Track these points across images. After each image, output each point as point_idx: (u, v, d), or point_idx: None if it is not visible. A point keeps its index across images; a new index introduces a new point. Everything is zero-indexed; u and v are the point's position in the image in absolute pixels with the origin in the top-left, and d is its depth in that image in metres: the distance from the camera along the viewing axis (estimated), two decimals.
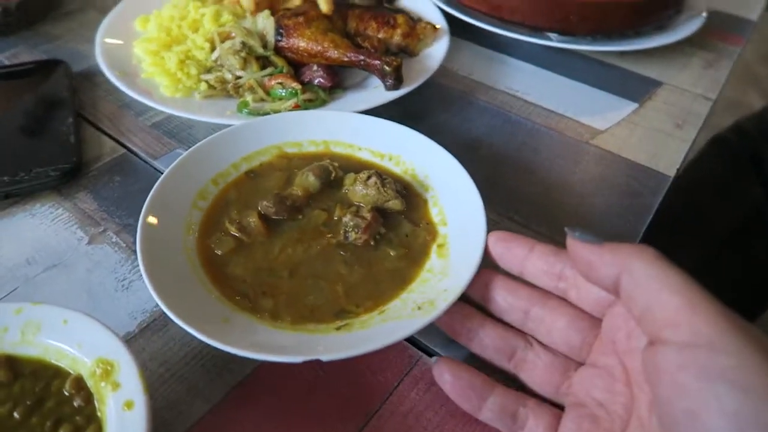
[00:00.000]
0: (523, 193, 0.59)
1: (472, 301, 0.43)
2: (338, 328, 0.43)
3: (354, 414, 0.41)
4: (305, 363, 0.37)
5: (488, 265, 0.43)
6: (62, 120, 0.62)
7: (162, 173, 0.50)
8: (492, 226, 0.56)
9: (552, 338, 0.40)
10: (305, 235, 0.49)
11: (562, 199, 0.59)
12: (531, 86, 0.75)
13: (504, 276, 0.43)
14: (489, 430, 0.40)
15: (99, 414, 0.35)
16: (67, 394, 0.36)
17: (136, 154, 0.62)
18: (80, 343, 0.37)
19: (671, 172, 0.63)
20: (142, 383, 0.34)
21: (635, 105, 0.73)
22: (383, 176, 0.51)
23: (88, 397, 0.35)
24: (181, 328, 0.38)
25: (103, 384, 0.35)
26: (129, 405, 0.34)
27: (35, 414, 0.35)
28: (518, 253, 0.42)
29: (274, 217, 0.50)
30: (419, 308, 0.42)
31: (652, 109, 0.72)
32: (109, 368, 0.35)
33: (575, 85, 0.76)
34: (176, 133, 0.65)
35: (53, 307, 0.38)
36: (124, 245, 0.52)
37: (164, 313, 0.39)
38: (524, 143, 0.66)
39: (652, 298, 0.31)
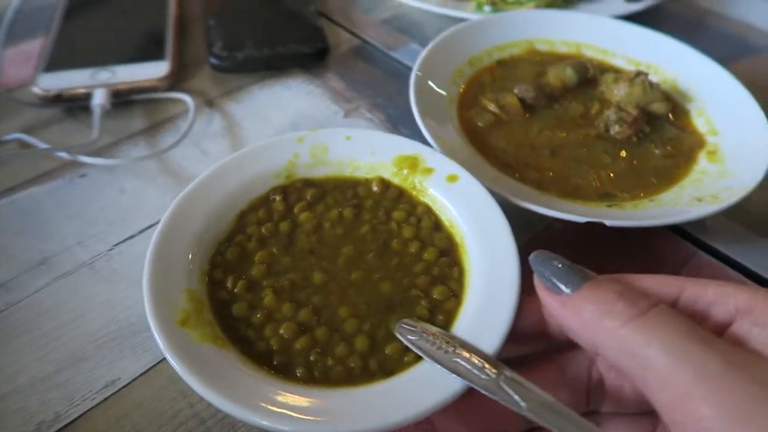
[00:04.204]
0: None
1: None
2: (608, 206, 0.42)
3: None
4: (589, 227, 0.37)
5: None
6: (305, 7, 0.64)
7: (400, 64, 0.51)
8: None
9: None
10: (563, 123, 0.49)
11: None
12: (762, 17, 0.70)
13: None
14: None
15: (416, 198, 0.37)
16: (376, 189, 0.37)
17: (372, 45, 0.63)
18: (373, 151, 0.38)
19: None
20: (453, 161, 0.36)
21: None
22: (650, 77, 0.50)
23: (399, 191, 0.37)
24: None
25: (414, 175, 0.37)
26: (452, 178, 0.36)
27: (366, 212, 0.36)
28: None
29: (530, 102, 0.49)
30: (699, 200, 0.41)
31: None
32: (413, 161, 0.37)
33: None
34: (407, 29, 0.66)
35: (332, 128, 0.40)
36: (378, 122, 0.54)
37: None
38: None
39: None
